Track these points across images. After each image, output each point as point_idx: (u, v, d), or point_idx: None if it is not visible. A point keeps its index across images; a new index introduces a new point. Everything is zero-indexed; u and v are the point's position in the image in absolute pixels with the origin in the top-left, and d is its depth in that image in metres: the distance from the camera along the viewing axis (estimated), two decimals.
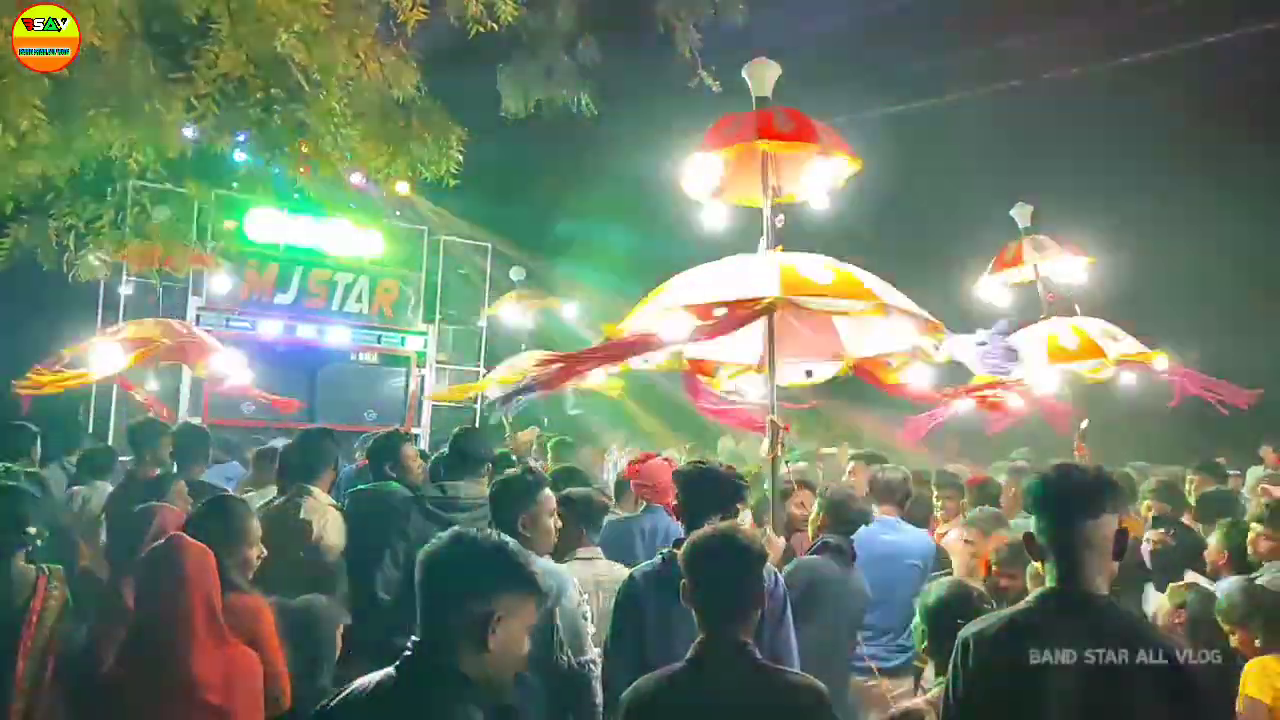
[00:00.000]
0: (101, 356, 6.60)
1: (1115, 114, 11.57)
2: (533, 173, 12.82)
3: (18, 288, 5.78)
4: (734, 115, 5.01)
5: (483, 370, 13.15)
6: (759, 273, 4.57)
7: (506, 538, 2.31)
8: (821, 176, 5.08)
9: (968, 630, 2.66)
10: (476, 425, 11.74)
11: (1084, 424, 7.06)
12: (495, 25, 5.35)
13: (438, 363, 13.43)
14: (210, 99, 4.88)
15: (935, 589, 3.42)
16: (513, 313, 10.79)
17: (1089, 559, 2.54)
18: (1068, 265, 6.92)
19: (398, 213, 12.74)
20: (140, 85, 4.85)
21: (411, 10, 5.21)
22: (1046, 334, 6.53)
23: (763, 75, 5.06)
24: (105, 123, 4.82)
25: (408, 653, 2.18)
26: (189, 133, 5.49)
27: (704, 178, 5.09)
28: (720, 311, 4.39)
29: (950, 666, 2.65)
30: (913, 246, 11.51)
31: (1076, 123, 11.72)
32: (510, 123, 6.35)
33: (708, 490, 3.81)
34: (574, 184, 13.38)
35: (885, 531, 5.15)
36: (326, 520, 4.86)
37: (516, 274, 11.06)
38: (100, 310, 10.08)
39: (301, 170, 5.78)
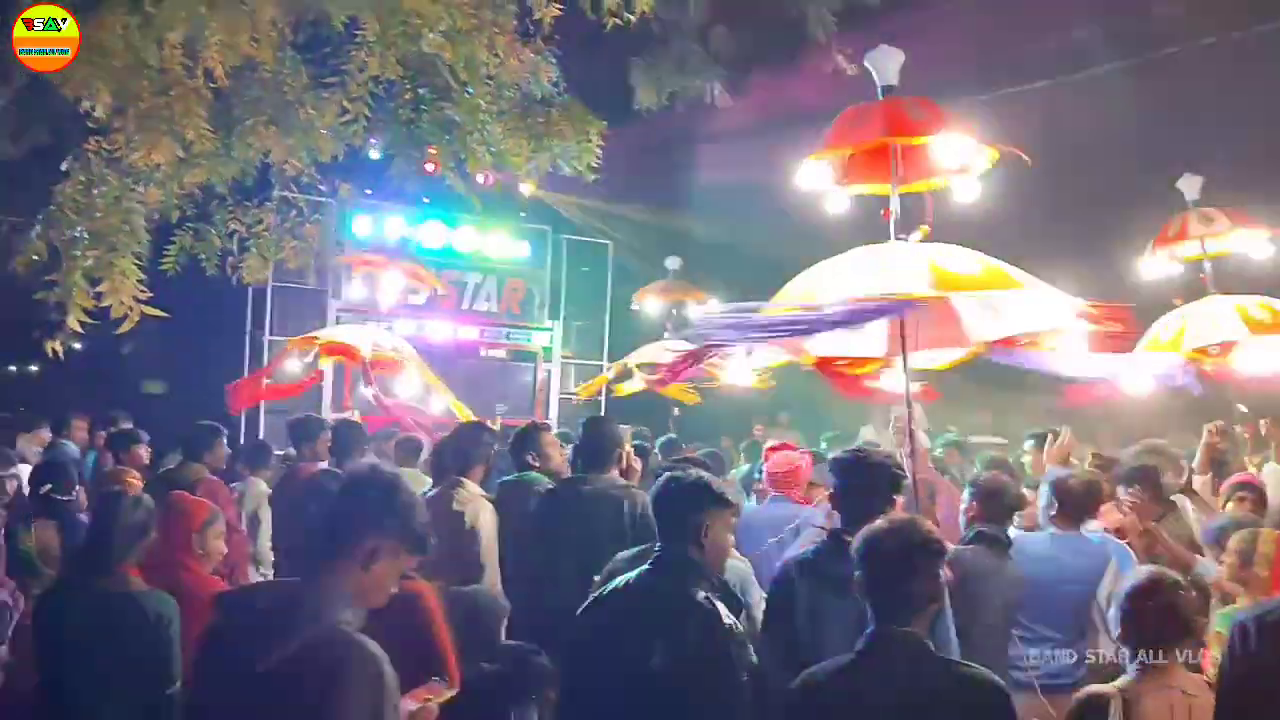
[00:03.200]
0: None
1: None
2: (660, 169, 12.77)
3: (175, 292, 6.07)
4: (860, 107, 4.77)
5: (606, 364, 13.25)
6: (906, 268, 4.35)
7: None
8: (960, 163, 4.88)
9: (1246, 614, 2.68)
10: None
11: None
12: (631, 17, 5.34)
13: (563, 357, 13.65)
14: (362, 102, 5.04)
15: (1135, 575, 3.30)
16: (654, 304, 10.77)
17: None
18: (1242, 240, 6.45)
19: (523, 214, 13.00)
20: (294, 92, 5.03)
21: (547, 6, 5.27)
22: (1234, 306, 6.00)
23: (887, 63, 4.80)
24: (263, 130, 5.00)
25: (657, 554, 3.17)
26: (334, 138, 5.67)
27: (826, 172, 4.92)
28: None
29: (1225, 648, 2.67)
30: (1069, 226, 11.00)
31: (1241, 89, 10.87)
32: (644, 116, 6.36)
33: (866, 479, 3.69)
34: (701, 179, 13.27)
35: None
36: (478, 511, 4.96)
37: (672, 263, 10.98)
38: (249, 313, 10.57)
39: (435, 169, 5.90)
